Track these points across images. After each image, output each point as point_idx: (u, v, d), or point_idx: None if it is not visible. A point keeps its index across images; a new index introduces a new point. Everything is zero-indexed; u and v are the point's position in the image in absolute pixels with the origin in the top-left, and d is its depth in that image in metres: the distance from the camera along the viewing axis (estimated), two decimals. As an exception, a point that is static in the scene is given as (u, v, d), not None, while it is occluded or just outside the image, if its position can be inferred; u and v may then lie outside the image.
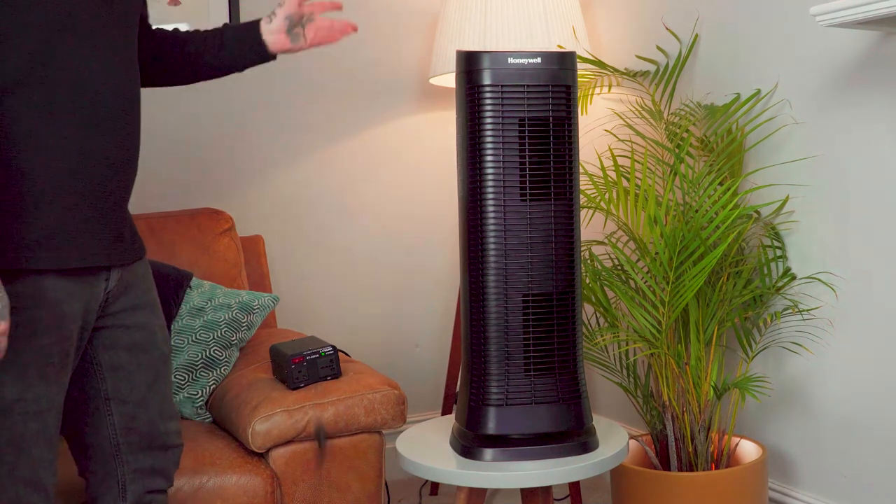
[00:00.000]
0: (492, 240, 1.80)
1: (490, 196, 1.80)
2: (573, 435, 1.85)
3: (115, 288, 1.54)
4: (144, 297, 1.61)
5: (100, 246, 1.49)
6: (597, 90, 2.59)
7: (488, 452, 1.80)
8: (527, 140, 1.80)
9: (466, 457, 1.82)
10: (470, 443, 1.83)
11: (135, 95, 1.54)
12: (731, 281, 2.27)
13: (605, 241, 2.34)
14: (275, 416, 2.00)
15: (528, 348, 1.81)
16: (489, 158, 1.80)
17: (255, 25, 1.70)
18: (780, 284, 2.30)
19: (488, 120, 1.79)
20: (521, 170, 1.80)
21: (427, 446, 1.90)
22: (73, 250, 1.44)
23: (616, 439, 1.92)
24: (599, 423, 2.02)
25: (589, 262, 2.33)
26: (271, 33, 1.68)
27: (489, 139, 1.80)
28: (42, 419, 1.43)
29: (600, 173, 2.32)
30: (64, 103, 1.41)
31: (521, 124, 1.78)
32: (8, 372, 1.39)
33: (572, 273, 1.85)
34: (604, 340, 2.26)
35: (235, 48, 1.69)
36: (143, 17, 1.67)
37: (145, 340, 1.60)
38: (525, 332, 1.81)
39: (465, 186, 1.85)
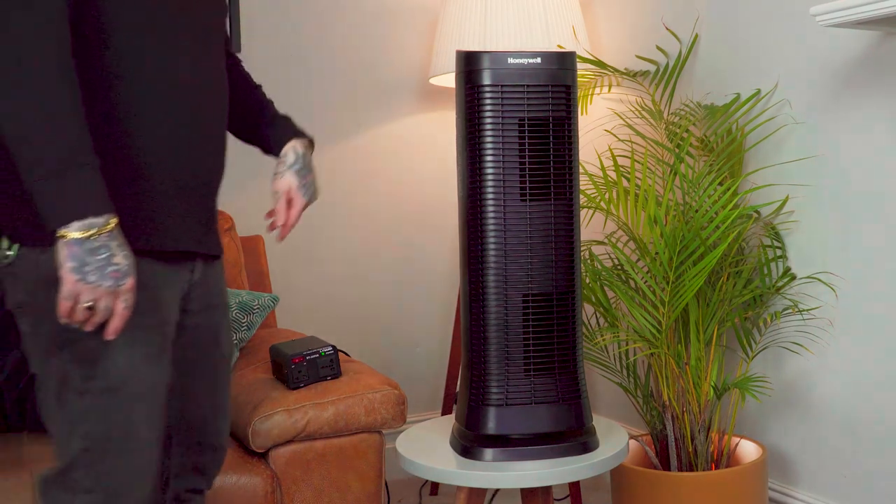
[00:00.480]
0: (492, 240, 1.80)
1: (490, 196, 1.80)
2: (573, 435, 1.85)
3: (198, 282, 1.54)
4: (219, 298, 1.62)
5: (192, 232, 1.49)
6: (597, 90, 2.59)
7: (488, 452, 1.80)
8: (527, 140, 1.79)
9: (466, 457, 1.82)
10: (470, 443, 1.83)
11: (226, 90, 1.57)
12: (731, 281, 2.27)
13: (605, 241, 2.34)
14: (275, 416, 2.00)
15: (528, 348, 1.81)
16: (489, 158, 1.79)
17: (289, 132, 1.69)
18: (780, 284, 2.30)
19: (488, 120, 1.79)
20: (520, 170, 1.80)
21: (427, 446, 1.90)
22: (169, 233, 1.44)
23: (616, 439, 1.92)
24: (599, 423, 2.02)
25: (589, 262, 2.33)
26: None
27: (489, 139, 1.79)
28: (147, 402, 1.42)
29: (600, 173, 2.32)
30: (172, 90, 1.42)
31: (520, 124, 1.78)
32: (118, 351, 1.37)
33: (572, 273, 1.85)
34: (604, 340, 2.26)
35: (277, 135, 1.69)
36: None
37: (211, 341, 1.60)
38: (525, 332, 1.81)
39: (464, 186, 1.85)
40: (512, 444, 1.82)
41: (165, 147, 1.42)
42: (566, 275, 1.84)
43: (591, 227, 2.82)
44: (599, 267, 2.31)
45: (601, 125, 2.82)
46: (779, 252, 2.32)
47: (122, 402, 1.40)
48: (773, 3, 2.32)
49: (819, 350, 2.26)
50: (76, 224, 1.25)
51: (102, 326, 1.33)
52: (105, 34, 1.36)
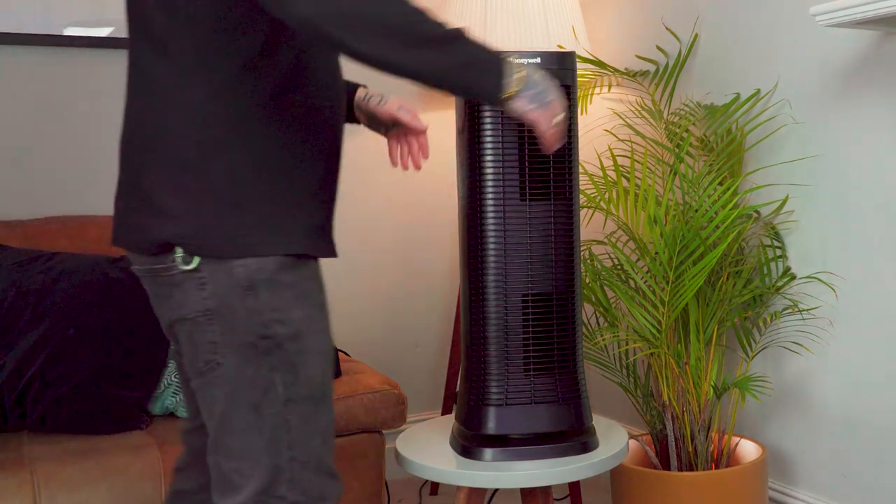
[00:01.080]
0: (491, 240, 1.80)
1: (490, 196, 1.80)
2: (573, 435, 1.85)
3: None
4: None
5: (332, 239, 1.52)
6: (597, 90, 2.59)
7: (488, 452, 1.80)
8: (526, 140, 1.79)
9: (466, 457, 1.82)
10: (470, 443, 1.83)
11: None
12: (731, 281, 2.27)
13: (605, 240, 2.34)
14: (275, 416, 2.00)
15: (528, 348, 1.81)
16: (489, 158, 1.80)
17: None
18: (779, 284, 2.30)
19: (488, 120, 1.79)
20: (520, 170, 1.80)
21: (427, 446, 1.90)
22: (330, 241, 1.47)
23: (616, 439, 1.92)
24: (599, 423, 2.02)
25: (589, 262, 2.33)
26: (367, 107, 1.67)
27: (489, 139, 1.80)
28: (331, 407, 1.43)
29: (600, 173, 2.32)
30: (329, 103, 1.44)
31: (520, 123, 1.78)
32: (315, 356, 1.38)
33: (572, 273, 1.85)
34: (604, 340, 2.26)
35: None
36: None
37: None
38: (525, 331, 1.81)
39: (464, 186, 1.85)
40: (512, 444, 1.82)
41: (332, 161, 1.45)
42: (566, 275, 1.84)
43: (591, 227, 2.82)
44: (599, 267, 2.31)
45: (601, 125, 2.82)
46: (779, 252, 2.33)
47: (321, 410, 1.39)
48: (773, 3, 2.32)
49: (819, 350, 2.26)
50: (514, 86, 1.41)
51: (295, 337, 1.35)
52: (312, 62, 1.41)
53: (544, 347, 1.82)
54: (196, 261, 1.33)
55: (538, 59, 1.79)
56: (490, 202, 1.80)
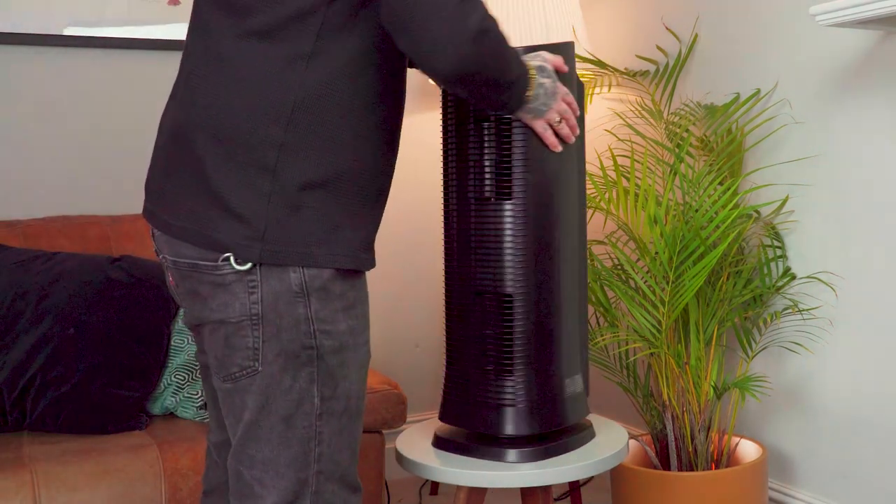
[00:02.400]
0: (473, 238, 1.80)
1: (467, 195, 1.78)
2: (572, 434, 1.85)
3: None
4: None
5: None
6: (597, 90, 2.59)
7: (489, 452, 1.79)
8: (513, 138, 1.78)
9: (461, 454, 1.81)
10: (468, 442, 1.83)
11: None
12: (731, 281, 2.27)
13: (605, 240, 2.34)
14: (275, 416, 2.00)
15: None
16: (472, 156, 1.78)
17: None
18: (780, 284, 2.30)
19: (482, 118, 1.77)
20: (496, 169, 1.78)
21: (427, 446, 1.90)
22: (373, 253, 1.45)
23: (616, 439, 1.92)
24: (599, 422, 2.02)
25: (589, 262, 2.33)
26: None
27: (485, 136, 1.78)
28: (363, 419, 1.43)
29: (600, 173, 2.32)
30: (400, 123, 1.47)
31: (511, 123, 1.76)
32: (355, 369, 1.36)
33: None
34: (604, 340, 2.26)
35: None
36: None
37: None
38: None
39: (463, 185, 1.84)
40: (511, 443, 1.81)
41: (392, 174, 1.47)
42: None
43: (591, 226, 2.82)
44: (599, 267, 2.31)
45: (601, 125, 2.82)
46: (779, 252, 2.33)
47: (354, 424, 1.37)
48: (773, 3, 2.32)
49: (819, 350, 2.27)
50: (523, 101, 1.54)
51: (339, 350, 1.35)
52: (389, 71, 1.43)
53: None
54: (249, 263, 1.30)
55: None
56: (470, 201, 1.77)
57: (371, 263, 1.40)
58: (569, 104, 1.64)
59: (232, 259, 1.29)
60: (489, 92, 1.42)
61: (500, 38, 1.36)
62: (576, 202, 1.83)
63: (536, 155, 1.72)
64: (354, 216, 1.36)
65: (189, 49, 1.40)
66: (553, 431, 1.83)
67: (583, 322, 1.89)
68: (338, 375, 1.34)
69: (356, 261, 1.35)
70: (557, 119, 1.63)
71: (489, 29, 1.32)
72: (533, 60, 1.57)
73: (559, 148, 1.69)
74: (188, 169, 1.34)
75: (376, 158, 1.39)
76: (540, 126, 1.64)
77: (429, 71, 1.33)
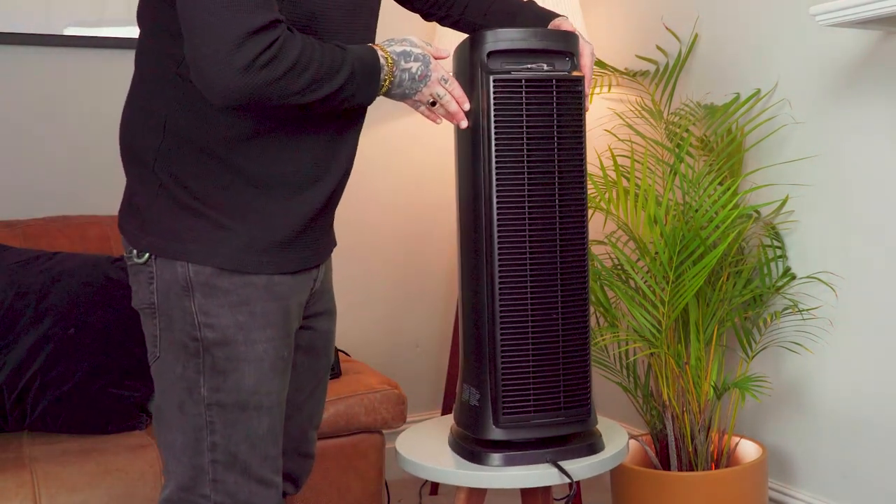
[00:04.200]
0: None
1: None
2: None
3: (317, 290, 1.55)
4: (330, 303, 1.63)
5: (325, 244, 1.53)
6: (597, 90, 2.59)
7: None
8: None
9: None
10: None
11: None
12: (731, 281, 2.27)
13: (605, 241, 2.34)
14: (275, 416, 1.99)
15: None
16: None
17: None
18: (779, 284, 2.30)
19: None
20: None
21: (427, 446, 1.90)
22: (314, 249, 1.48)
23: (616, 439, 1.91)
24: (600, 423, 2.02)
25: (589, 262, 2.33)
26: None
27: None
28: (272, 415, 1.41)
29: (600, 173, 2.32)
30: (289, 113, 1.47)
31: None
32: (248, 363, 1.38)
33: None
34: (604, 340, 2.26)
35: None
36: None
37: (321, 346, 1.60)
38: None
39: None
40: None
41: (293, 172, 1.44)
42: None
43: (591, 226, 2.82)
44: (599, 267, 2.31)
45: (601, 125, 2.82)
46: (779, 252, 2.33)
47: (252, 417, 1.39)
48: (773, 3, 2.32)
49: (819, 350, 2.26)
50: (383, 90, 1.47)
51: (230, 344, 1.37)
52: None
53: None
54: (146, 255, 1.39)
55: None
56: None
57: (267, 267, 1.39)
58: (449, 90, 1.56)
59: (134, 252, 1.40)
60: (315, 104, 1.35)
61: (284, 63, 1.27)
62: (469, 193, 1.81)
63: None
64: (243, 220, 1.38)
65: None
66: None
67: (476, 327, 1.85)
68: (226, 369, 1.37)
69: (237, 263, 1.37)
70: (429, 101, 1.55)
71: (263, 61, 1.25)
72: (396, 46, 1.49)
73: (440, 122, 1.62)
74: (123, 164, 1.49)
75: (267, 168, 1.38)
76: (411, 105, 1.57)
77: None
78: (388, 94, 1.49)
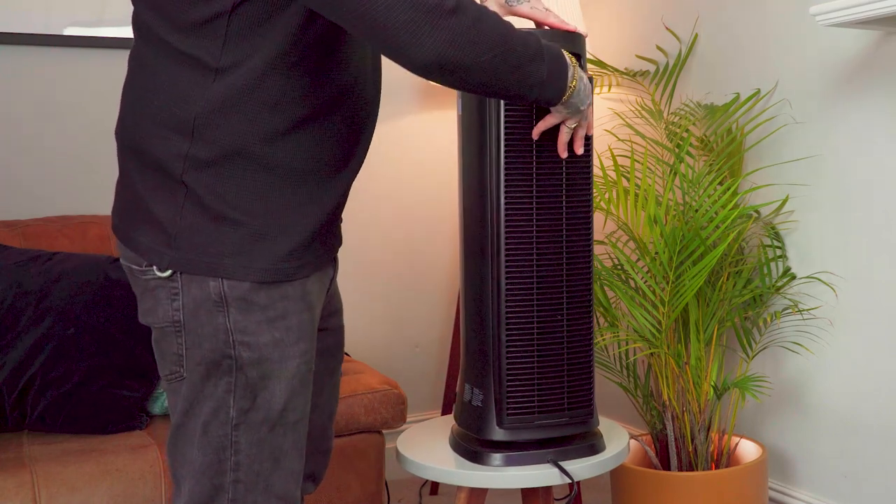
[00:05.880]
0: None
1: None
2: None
3: (332, 289, 1.52)
4: (339, 301, 1.58)
5: (337, 239, 1.47)
6: (597, 90, 2.60)
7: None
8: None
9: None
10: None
11: None
12: (731, 281, 2.27)
13: (605, 241, 2.34)
14: (275, 416, 1.99)
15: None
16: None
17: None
18: (779, 284, 2.30)
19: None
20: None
21: (427, 446, 1.90)
22: (332, 245, 1.43)
23: (616, 439, 1.91)
24: (600, 423, 2.02)
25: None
26: None
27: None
28: (297, 430, 1.37)
29: (600, 173, 2.32)
30: (331, 117, 1.43)
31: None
32: (279, 381, 1.32)
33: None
34: (604, 340, 2.26)
35: None
36: None
37: (335, 345, 1.57)
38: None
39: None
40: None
41: (328, 173, 1.39)
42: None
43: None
44: (599, 267, 2.31)
45: (601, 125, 2.82)
46: (779, 252, 2.33)
47: (278, 434, 1.35)
48: (773, 3, 2.32)
49: (819, 350, 2.27)
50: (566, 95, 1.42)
51: (260, 362, 1.32)
52: None
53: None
54: (170, 270, 1.30)
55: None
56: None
57: (303, 270, 1.35)
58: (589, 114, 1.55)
59: (154, 265, 1.31)
60: (496, 79, 1.30)
61: (486, 19, 1.25)
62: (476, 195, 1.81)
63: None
64: (279, 224, 1.32)
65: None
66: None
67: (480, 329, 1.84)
68: (258, 387, 1.32)
69: (277, 273, 1.31)
70: (573, 125, 1.52)
71: (466, 7, 1.22)
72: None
73: (566, 154, 1.58)
74: (122, 172, 1.37)
75: (302, 163, 1.33)
76: (572, 123, 1.52)
77: (407, 65, 1.25)
78: (562, 101, 1.43)
